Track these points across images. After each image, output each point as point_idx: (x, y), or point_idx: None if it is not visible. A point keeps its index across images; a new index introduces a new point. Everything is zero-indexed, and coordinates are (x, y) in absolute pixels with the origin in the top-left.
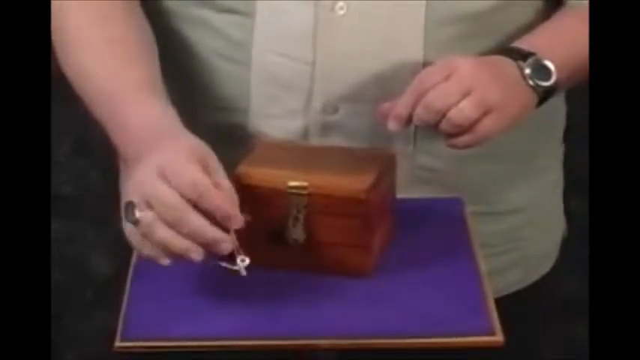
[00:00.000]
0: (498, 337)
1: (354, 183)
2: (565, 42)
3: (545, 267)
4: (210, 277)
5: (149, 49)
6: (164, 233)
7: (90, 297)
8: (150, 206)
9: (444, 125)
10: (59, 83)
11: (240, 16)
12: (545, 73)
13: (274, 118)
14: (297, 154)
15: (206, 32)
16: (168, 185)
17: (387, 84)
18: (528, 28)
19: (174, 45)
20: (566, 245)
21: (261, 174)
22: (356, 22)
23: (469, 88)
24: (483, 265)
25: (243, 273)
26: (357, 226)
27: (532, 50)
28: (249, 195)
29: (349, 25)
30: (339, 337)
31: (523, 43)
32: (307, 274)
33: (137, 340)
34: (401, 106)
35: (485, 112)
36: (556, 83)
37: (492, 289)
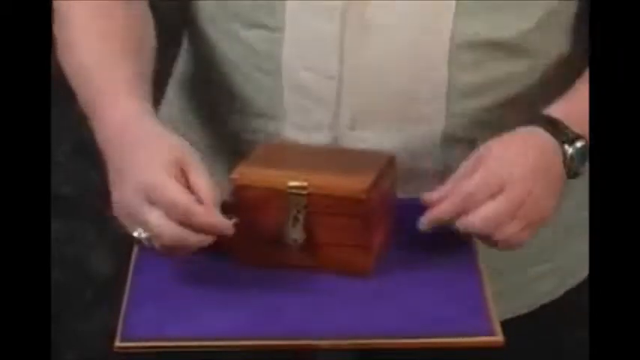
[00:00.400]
0: (498, 338)
1: (353, 183)
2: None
3: (577, 278)
4: (210, 278)
5: (144, 45)
6: (173, 243)
7: (90, 297)
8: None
9: (485, 240)
10: (59, 83)
11: (268, 31)
12: (585, 157)
13: (303, 129)
14: (297, 154)
15: (236, 44)
16: (156, 209)
17: (413, 100)
18: (556, 54)
19: (206, 50)
20: None
21: (261, 174)
22: (382, 38)
23: (519, 206)
24: (483, 266)
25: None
26: (356, 226)
27: (578, 131)
28: (248, 195)
29: (375, 41)
30: (339, 338)
31: (564, 109)
32: (307, 274)
33: (137, 340)
34: (443, 211)
35: (526, 226)
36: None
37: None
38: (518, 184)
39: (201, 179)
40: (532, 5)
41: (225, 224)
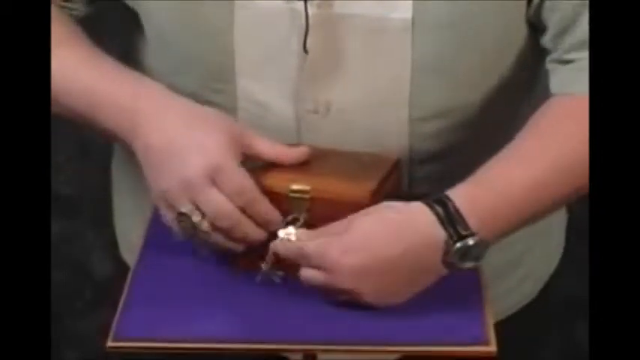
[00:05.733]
0: (491, 348)
1: (356, 187)
2: (506, 196)
3: (548, 269)
4: (208, 281)
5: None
6: (217, 238)
7: (90, 297)
8: (201, 212)
9: None
10: None
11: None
12: (476, 254)
13: None
14: None
15: None
16: (219, 191)
17: None
18: (513, 116)
19: None
20: (566, 245)
21: (263, 177)
22: (338, 122)
23: (338, 292)
24: (485, 275)
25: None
26: None
27: (474, 227)
28: None
29: (332, 125)
30: (334, 343)
31: (469, 193)
32: None
33: (128, 340)
34: (284, 248)
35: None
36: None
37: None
38: (341, 277)
39: (266, 145)
40: (485, 74)
41: (277, 221)
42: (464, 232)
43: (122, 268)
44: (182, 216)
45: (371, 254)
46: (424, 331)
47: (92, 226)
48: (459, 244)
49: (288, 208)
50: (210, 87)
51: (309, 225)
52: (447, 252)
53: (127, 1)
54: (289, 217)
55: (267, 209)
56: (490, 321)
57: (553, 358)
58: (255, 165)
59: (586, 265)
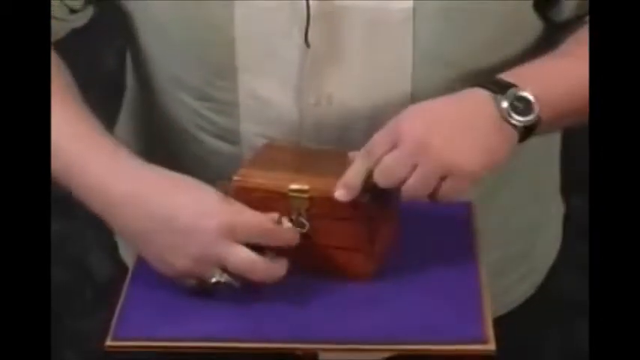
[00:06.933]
0: (490, 346)
1: None
2: (552, 75)
3: (547, 264)
4: None
5: (76, 92)
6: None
7: (90, 297)
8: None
9: (416, 197)
10: None
11: (222, 104)
12: (525, 107)
13: None
14: (299, 156)
15: (190, 113)
16: (240, 245)
17: None
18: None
19: (162, 117)
20: (565, 241)
21: (262, 176)
22: (340, 113)
23: (417, 158)
24: (485, 273)
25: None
26: (358, 230)
27: (512, 81)
28: (249, 198)
29: (334, 117)
30: (332, 342)
31: (505, 76)
32: (303, 277)
33: (127, 340)
34: (353, 175)
35: (442, 177)
36: (537, 118)
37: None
38: (409, 135)
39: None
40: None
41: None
42: (511, 86)
43: (122, 268)
44: (212, 283)
45: (433, 114)
46: (423, 329)
47: (92, 226)
48: (507, 94)
49: (287, 207)
50: (211, 83)
51: (309, 224)
52: (498, 104)
53: (123, 1)
54: (289, 219)
55: (284, 231)
56: (489, 319)
57: (552, 353)
58: (255, 164)
59: (585, 261)
